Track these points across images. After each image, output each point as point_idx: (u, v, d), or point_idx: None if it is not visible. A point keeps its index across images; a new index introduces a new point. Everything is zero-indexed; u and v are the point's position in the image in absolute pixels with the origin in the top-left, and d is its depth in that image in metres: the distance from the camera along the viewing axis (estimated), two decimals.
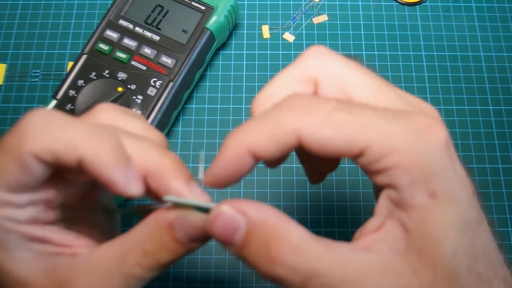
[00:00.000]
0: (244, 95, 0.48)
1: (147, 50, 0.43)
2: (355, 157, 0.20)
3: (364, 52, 0.50)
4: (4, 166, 0.21)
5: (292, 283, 0.19)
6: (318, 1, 0.52)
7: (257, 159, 0.21)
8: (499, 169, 0.45)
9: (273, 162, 0.24)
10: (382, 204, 0.21)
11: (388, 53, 0.49)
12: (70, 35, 0.50)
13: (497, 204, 0.44)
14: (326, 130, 0.20)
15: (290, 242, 0.19)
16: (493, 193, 0.44)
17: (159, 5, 0.45)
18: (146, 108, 0.42)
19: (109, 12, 0.45)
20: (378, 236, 0.20)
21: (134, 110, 0.42)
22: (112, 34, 0.44)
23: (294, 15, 0.51)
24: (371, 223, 0.21)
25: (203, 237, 0.22)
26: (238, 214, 0.20)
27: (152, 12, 0.45)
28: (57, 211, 0.24)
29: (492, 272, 0.21)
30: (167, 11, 0.45)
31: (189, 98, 0.47)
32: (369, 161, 0.20)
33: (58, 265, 0.22)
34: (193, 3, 0.45)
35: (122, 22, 0.45)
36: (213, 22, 0.45)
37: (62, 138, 0.21)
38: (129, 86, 0.42)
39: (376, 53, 0.49)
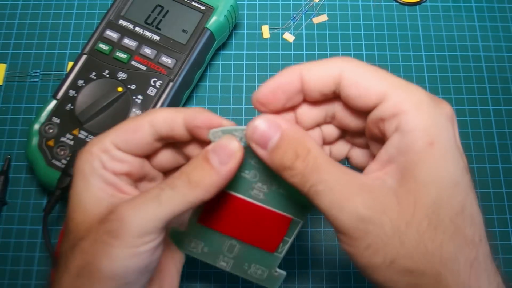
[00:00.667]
0: (244, 95, 0.48)
1: (147, 50, 0.43)
2: (378, 103, 0.24)
3: (364, 52, 0.50)
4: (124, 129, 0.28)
5: (302, 185, 0.24)
6: (318, 1, 0.52)
7: (302, 92, 0.26)
8: (499, 169, 0.45)
9: (313, 101, 0.28)
10: (383, 153, 0.25)
11: (388, 53, 0.50)
12: (70, 35, 0.50)
13: (497, 204, 0.44)
14: (366, 73, 0.25)
15: (309, 155, 0.24)
16: (493, 193, 0.44)
17: (159, 5, 0.45)
18: (146, 108, 0.42)
19: (109, 12, 0.45)
20: (378, 174, 0.25)
21: (134, 110, 0.42)
22: (112, 34, 0.44)
23: (294, 15, 0.51)
24: (372, 166, 0.25)
25: (235, 158, 0.26)
26: (273, 125, 0.25)
27: (152, 12, 0.45)
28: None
29: (477, 238, 0.23)
30: (167, 11, 0.45)
31: (189, 98, 0.47)
32: (389, 106, 0.24)
33: (112, 204, 0.26)
34: (193, 3, 0.45)
35: (122, 22, 0.45)
36: (213, 22, 0.45)
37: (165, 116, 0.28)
38: (129, 86, 0.42)
39: (376, 53, 0.49)
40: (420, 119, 0.23)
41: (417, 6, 0.52)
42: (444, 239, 0.22)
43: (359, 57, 0.49)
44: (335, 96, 0.27)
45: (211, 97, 0.48)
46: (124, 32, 0.44)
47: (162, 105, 0.42)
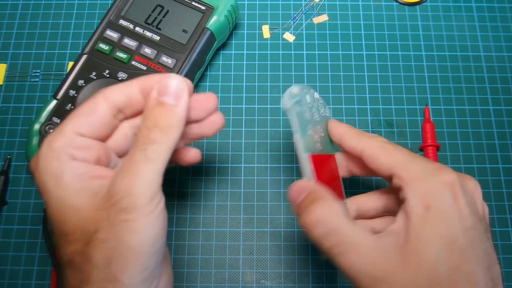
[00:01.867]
0: (244, 95, 0.48)
1: (147, 50, 0.43)
2: (388, 177, 0.31)
3: (364, 52, 0.50)
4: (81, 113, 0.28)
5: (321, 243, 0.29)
6: (318, 1, 0.52)
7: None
8: (499, 169, 0.45)
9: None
10: (400, 214, 0.29)
11: (388, 53, 0.49)
12: (70, 35, 0.50)
13: (497, 204, 0.44)
14: (380, 152, 0.31)
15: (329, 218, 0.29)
16: (493, 193, 0.44)
17: (159, 5, 0.45)
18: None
19: (109, 12, 0.45)
20: (391, 231, 0.28)
21: None
22: (112, 34, 0.44)
23: (294, 15, 0.51)
24: (393, 226, 0.29)
25: (184, 92, 0.28)
26: (303, 186, 0.31)
27: (152, 12, 0.45)
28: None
29: None
30: (167, 11, 0.45)
31: None
32: (395, 181, 0.30)
33: (101, 188, 0.26)
34: (193, 3, 0.45)
35: (122, 22, 0.45)
36: (213, 22, 0.45)
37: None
38: None
39: (376, 53, 0.49)
40: (419, 188, 0.28)
41: (417, 6, 0.52)
42: None
43: (359, 57, 0.49)
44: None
45: None
46: (124, 32, 0.44)
47: None
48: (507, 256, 0.43)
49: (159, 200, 0.26)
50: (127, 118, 0.30)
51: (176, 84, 0.28)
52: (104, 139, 0.30)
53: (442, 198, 0.27)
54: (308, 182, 0.31)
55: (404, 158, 0.30)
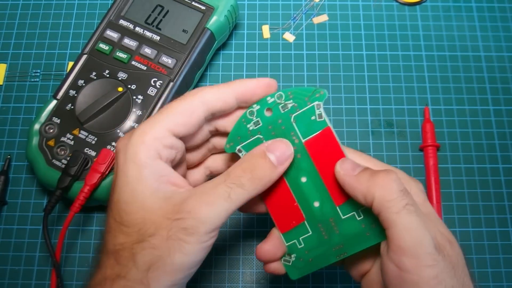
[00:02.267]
0: None
1: (147, 50, 0.43)
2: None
3: (364, 52, 0.50)
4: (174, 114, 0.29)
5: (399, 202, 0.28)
6: (318, 1, 0.52)
7: None
8: (499, 169, 0.45)
9: None
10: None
11: (388, 53, 0.49)
12: (70, 35, 0.50)
13: (497, 204, 0.44)
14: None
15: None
16: (493, 193, 0.44)
17: (159, 5, 0.45)
18: (146, 108, 0.42)
19: (110, 12, 0.45)
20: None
21: (134, 110, 0.42)
22: (112, 34, 0.44)
23: (294, 15, 0.51)
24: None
25: (288, 160, 0.30)
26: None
27: (152, 12, 0.45)
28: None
29: None
30: (167, 11, 0.45)
31: None
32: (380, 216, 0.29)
33: (174, 195, 0.27)
34: (193, 3, 0.45)
35: (122, 22, 0.45)
36: (213, 22, 0.45)
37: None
38: (129, 86, 0.42)
39: (376, 53, 0.49)
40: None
41: (417, 6, 0.52)
42: None
43: (359, 57, 0.49)
44: None
45: None
46: (125, 32, 0.44)
47: (162, 105, 0.42)
48: (507, 256, 0.43)
49: (215, 235, 0.27)
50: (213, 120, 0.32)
51: (285, 150, 0.30)
52: (188, 141, 0.31)
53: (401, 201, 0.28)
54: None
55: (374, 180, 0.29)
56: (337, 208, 0.31)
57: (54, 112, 0.42)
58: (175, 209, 0.27)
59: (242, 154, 0.31)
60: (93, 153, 0.40)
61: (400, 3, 0.52)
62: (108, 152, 0.39)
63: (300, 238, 0.32)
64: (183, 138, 0.30)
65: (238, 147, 0.31)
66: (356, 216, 0.31)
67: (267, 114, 0.31)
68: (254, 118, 0.31)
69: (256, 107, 0.31)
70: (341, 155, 0.31)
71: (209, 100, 0.29)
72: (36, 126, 0.41)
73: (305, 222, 0.32)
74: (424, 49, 0.50)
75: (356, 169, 0.29)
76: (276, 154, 0.29)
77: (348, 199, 0.30)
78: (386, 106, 0.47)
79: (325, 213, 0.31)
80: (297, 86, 0.33)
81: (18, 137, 0.46)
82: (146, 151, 0.28)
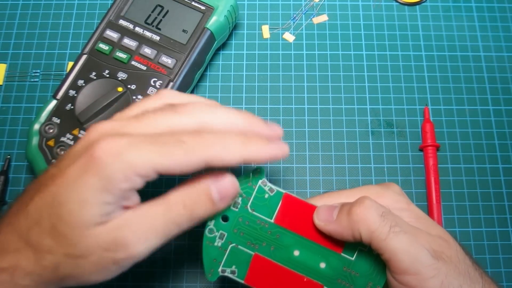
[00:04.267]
0: (244, 95, 0.48)
1: (147, 50, 0.43)
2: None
3: (364, 52, 0.50)
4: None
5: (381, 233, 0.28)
6: (318, 1, 0.52)
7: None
8: (499, 169, 0.45)
9: None
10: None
11: (388, 53, 0.49)
12: (70, 35, 0.50)
13: (497, 204, 0.44)
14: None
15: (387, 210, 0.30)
16: (493, 193, 0.44)
17: (159, 5, 0.45)
18: None
19: (109, 12, 0.45)
20: None
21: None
22: (112, 34, 0.44)
23: (294, 15, 0.51)
24: None
25: (231, 197, 0.29)
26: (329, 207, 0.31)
27: (152, 12, 0.45)
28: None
29: None
30: (167, 11, 0.45)
31: None
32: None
33: (114, 214, 0.26)
34: (193, 3, 0.45)
35: (122, 22, 0.45)
36: (213, 22, 0.45)
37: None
38: (129, 86, 0.42)
39: (376, 53, 0.49)
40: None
41: (417, 6, 0.51)
42: None
43: (359, 57, 0.49)
44: None
45: (211, 97, 0.48)
46: (124, 32, 0.44)
47: None
48: (507, 256, 0.43)
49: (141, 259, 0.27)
50: None
51: (228, 187, 0.29)
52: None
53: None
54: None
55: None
56: (342, 255, 0.31)
57: (54, 112, 0.42)
58: (109, 236, 0.26)
59: (227, 273, 0.30)
60: None
61: (400, 3, 0.52)
62: None
63: None
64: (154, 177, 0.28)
65: (220, 269, 0.31)
66: (363, 249, 0.31)
67: (224, 222, 0.31)
68: (216, 233, 0.31)
69: (211, 223, 0.31)
70: (312, 208, 0.31)
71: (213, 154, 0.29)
72: (36, 126, 0.41)
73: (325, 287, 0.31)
74: (424, 49, 0.50)
75: (333, 212, 0.30)
76: (220, 189, 0.29)
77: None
78: (386, 106, 0.47)
79: (335, 267, 0.31)
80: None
81: (18, 137, 0.46)
82: (127, 172, 0.26)
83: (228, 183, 0.29)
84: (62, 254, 0.26)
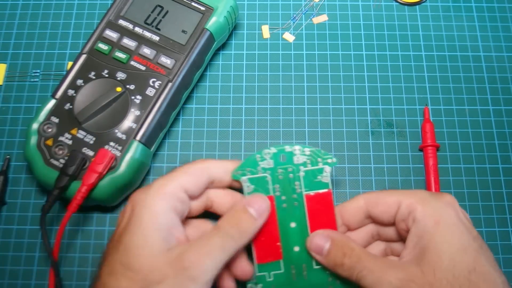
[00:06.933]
0: (244, 95, 0.48)
1: (146, 50, 0.43)
2: (396, 211, 0.34)
3: (364, 52, 0.49)
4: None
5: (351, 275, 0.32)
6: (318, 1, 0.52)
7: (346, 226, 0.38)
8: (499, 169, 0.45)
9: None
10: (409, 240, 0.32)
11: (388, 53, 0.49)
12: (70, 35, 0.50)
13: (497, 204, 0.44)
14: (381, 194, 0.36)
15: (353, 253, 0.32)
16: (493, 193, 0.44)
17: (159, 5, 0.45)
18: (144, 108, 0.42)
19: (109, 12, 0.45)
20: (407, 255, 0.32)
21: (132, 110, 0.42)
22: (111, 34, 0.44)
23: (294, 15, 0.51)
24: (404, 252, 0.33)
25: (266, 212, 0.34)
26: (324, 237, 0.34)
27: (152, 12, 0.45)
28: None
29: None
30: (167, 12, 0.45)
31: (189, 98, 0.47)
32: (404, 209, 0.33)
33: (176, 247, 0.30)
34: (192, 3, 0.45)
35: (121, 22, 0.45)
36: (212, 23, 0.45)
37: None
38: (128, 86, 0.42)
39: (376, 53, 0.49)
40: (426, 209, 0.32)
41: (417, 6, 0.51)
42: None
43: (359, 57, 0.49)
44: (371, 221, 0.37)
45: (211, 97, 0.48)
46: (124, 32, 0.44)
47: (161, 106, 0.42)
48: (507, 256, 0.42)
49: (211, 284, 0.31)
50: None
51: (261, 203, 0.34)
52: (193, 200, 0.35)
53: (447, 214, 0.32)
54: (326, 232, 0.35)
55: (405, 191, 0.35)
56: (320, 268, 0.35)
57: (52, 112, 0.42)
58: (178, 259, 0.29)
59: (245, 185, 0.35)
60: (91, 153, 0.40)
61: (400, 3, 0.52)
62: (106, 152, 0.39)
63: (272, 273, 0.35)
64: (190, 197, 0.34)
65: (244, 178, 0.35)
66: (326, 269, 0.35)
67: (281, 160, 0.36)
68: (268, 159, 0.35)
69: (273, 150, 0.36)
70: (332, 222, 0.35)
71: (214, 168, 0.35)
72: (35, 126, 0.41)
73: (281, 261, 0.35)
74: (424, 49, 0.50)
75: (324, 248, 0.34)
76: (255, 208, 0.33)
77: None
78: (385, 106, 0.47)
79: (301, 258, 0.35)
80: (316, 148, 0.36)
81: (18, 137, 0.46)
82: (164, 202, 0.31)
83: (259, 198, 0.34)
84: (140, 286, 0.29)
